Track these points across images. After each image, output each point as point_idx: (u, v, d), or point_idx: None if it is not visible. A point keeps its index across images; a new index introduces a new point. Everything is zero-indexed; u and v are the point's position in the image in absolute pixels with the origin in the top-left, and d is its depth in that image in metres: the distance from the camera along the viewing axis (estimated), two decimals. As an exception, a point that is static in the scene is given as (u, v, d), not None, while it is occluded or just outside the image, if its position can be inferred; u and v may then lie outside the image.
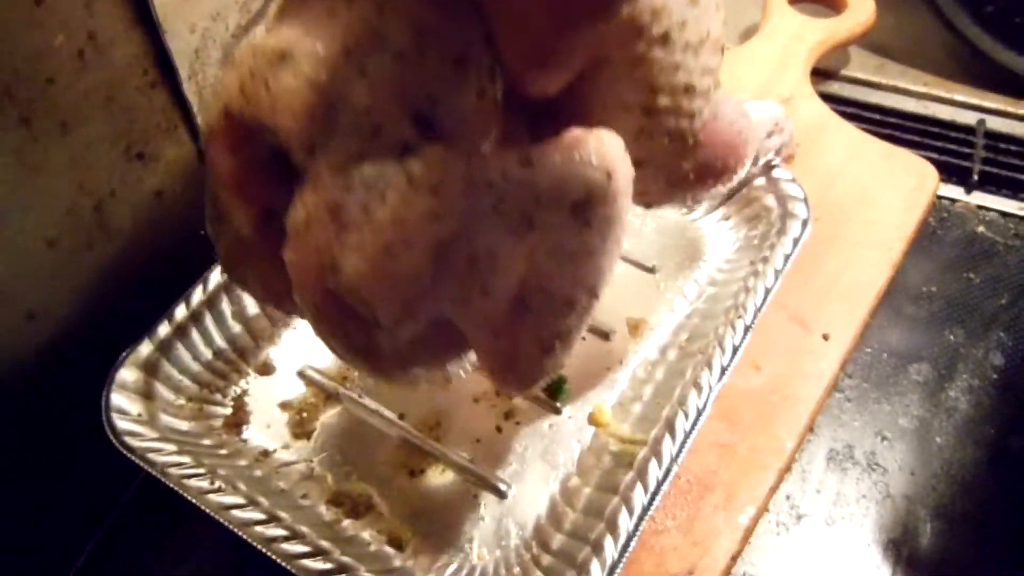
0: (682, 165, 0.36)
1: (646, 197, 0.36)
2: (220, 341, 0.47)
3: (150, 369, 0.45)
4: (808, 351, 0.50)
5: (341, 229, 0.27)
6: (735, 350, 0.46)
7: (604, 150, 0.29)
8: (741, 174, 0.41)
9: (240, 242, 0.32)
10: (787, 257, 0.50)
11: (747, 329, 0.47)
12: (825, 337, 0.50)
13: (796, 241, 0.51)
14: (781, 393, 0.48)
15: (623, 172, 0.30)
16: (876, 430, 0.50)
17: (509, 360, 0.33)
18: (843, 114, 0.64)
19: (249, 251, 0.32)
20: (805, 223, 0.51)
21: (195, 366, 0.46)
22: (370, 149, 0.27)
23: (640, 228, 0.55)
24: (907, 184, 0.58)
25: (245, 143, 0.29)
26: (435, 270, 0.28)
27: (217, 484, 0.40)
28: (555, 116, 0.30)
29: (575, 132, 0.29)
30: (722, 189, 0.41)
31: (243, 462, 0.43)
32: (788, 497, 0.47)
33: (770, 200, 0.53)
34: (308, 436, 0.45)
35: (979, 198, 0.61)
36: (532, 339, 0.32)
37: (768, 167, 0.53)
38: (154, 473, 0.40)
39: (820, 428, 0.50)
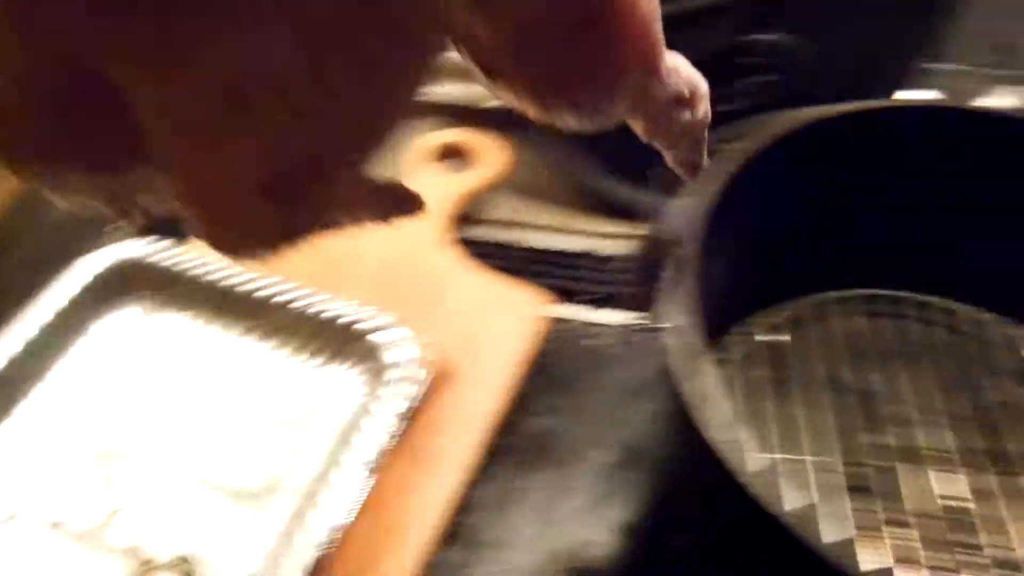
0: (549, 30, 0.24)
1: (488, 60, 0.25)
2: None
3: None
4: (421, 488, 0.56)
5: None
6: (356, 495, 0.52)
7: None
8: (613, 109, 0.28)
9: None
10: (408, 402, 0.57)
11: (370, 473, 0.53)
12: (438, 472, 0.57)
13: (414, 387, 0.58)
14: (393, 531, 0.54)
15: None
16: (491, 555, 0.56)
17: (209, 186, 0.20)
18: (479, 254, 0.72)
19: None
20: (424, 366, 0.59)
21: None
22: None
23: (270, 384, 0.60)
24: (523, 315, 0.66)
25: None
26: None
27: None
28: None
29: None
30: (597, 118, 0.28)
31: None
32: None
33: (388, 350, 0.60)
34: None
35: (590, 315, 0.71)
36: (246, 159, 0.20)
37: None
38: None
39: (435, 563, 0.55)
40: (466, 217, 0.78)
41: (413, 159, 0.79)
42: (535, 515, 0.58)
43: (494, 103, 0.88)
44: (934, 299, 0.68)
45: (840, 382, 0.63)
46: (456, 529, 0.56)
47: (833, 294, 0.69)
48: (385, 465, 0.55)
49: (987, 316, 0.66)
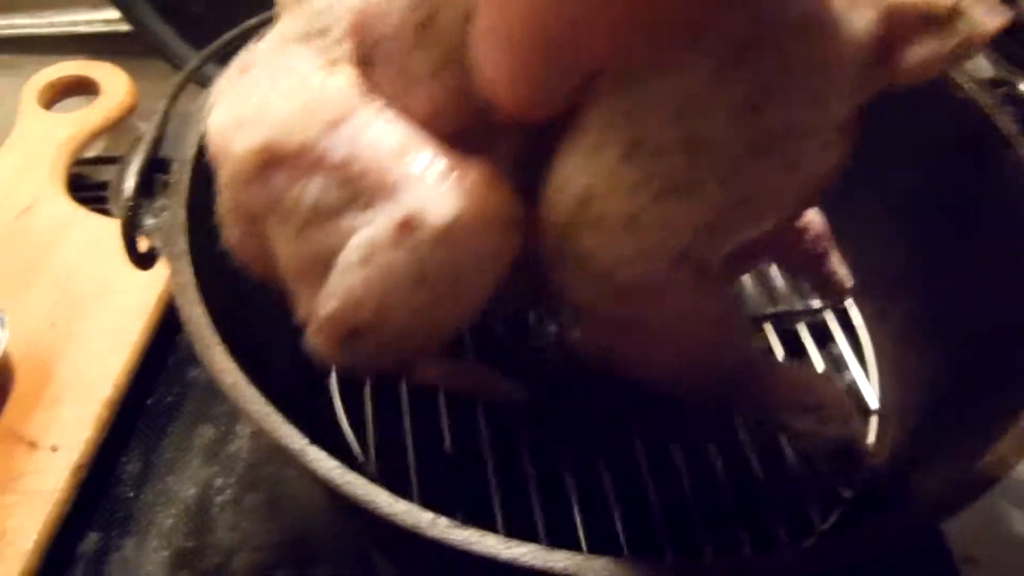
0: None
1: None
2: None
3: None
4: (34, 469, 0.49)
5: None
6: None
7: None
8: None
9: None
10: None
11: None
12: (54, 449, 0.50)
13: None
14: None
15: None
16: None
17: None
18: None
19: None
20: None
21: None
22: None
23: None
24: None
25: None
26: None
27: None
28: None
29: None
30: None
31: None
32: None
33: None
34: None
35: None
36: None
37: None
38: None
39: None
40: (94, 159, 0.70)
41: (25, 103, 0.68)
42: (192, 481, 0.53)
43: (104, 28, 0.78)
44: None
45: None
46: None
47: None
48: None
49: None
